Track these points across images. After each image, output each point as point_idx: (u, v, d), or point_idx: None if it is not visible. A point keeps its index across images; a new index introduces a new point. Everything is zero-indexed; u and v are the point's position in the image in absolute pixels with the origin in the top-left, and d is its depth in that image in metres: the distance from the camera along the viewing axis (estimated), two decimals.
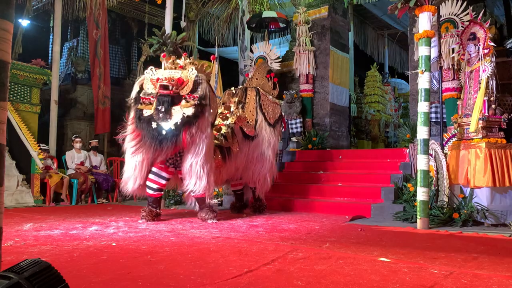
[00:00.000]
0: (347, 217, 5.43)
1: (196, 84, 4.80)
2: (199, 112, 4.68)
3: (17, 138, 7.44)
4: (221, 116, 5.77)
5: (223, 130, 5.53)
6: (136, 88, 4.94)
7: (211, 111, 4.89)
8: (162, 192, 5.26)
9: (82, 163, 7.96)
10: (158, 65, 7.22)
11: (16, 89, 8.10)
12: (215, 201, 6.98)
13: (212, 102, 4.90)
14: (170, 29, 7.07)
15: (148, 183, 5.03)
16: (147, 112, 4.74)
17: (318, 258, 2.92)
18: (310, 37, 8.64)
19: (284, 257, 2.92)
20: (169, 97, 4.68)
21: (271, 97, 6.07)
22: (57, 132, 8.95)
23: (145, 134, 4.66)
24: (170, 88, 4.67)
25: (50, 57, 10.40)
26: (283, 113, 8.54)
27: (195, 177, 4.73)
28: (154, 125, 4.63)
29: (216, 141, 5.35)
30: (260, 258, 2.89)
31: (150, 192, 5.07)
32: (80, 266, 2.65)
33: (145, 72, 4.97)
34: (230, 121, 5.64)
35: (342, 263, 2.77)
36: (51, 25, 10.46)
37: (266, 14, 8.64)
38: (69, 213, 5.81)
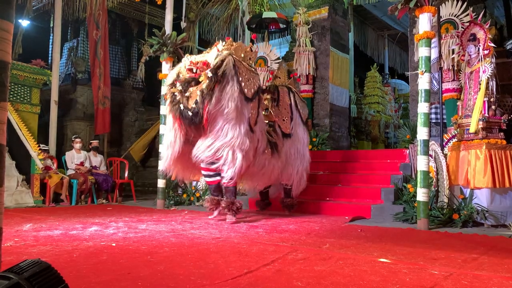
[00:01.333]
0: (347, 217, 5.42)
1: (218, 66, 4.74)
2: (212, 85, 4.58)
3: (17, 139, 7.43)
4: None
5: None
6: (172, 74, 4.99)
7: (240, 85, 4.69)
8: (219, 178, 5.06)
9: (82, 164, 7.96)
10: (159, 65, 7.26)
11: (16, 89, 8.10)
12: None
13: (241, 75, 4.73)
14: (170, 30, 7.08)
15: (202, 171, 5.13)
16: (178, 95, 4.79)
17: (318, 258, 2.92)
18: (310, 37, 8.65)
19: (284, 258, 2.92)
20: (193, 79, 4.71)
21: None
22: (57, 133, 8.96)
23: (178, 116, 4.72)
24: (194, 70, 4.72)
25: (50, 58, 10.41)
26: None
27: (222, 158, 4.69)
28: (182, 106, 4.67)
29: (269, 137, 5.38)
30: (260, 258, 2.89)
31: (208, 180, 5.20)
32: (79, 266, 2.65)
33: (182, 59, 5.06)
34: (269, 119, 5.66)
35: (342, 263, 2.77)
36: (51, 25, 10.46)
37: (266, 14, 8.64)
38: (69, 214, 5.81)
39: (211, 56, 4.79)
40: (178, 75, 4.90)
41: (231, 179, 4.78)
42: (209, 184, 5.27)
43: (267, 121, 5.60)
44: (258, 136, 5.03)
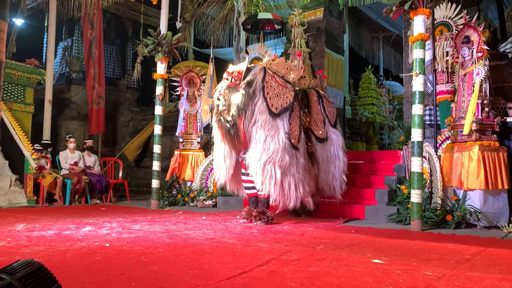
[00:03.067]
0: (341, 218, 5.44)
1: (247, 71, 4.89)
2: (246, 100, 4.72)
3: (11, 138, 7.39)
4: None
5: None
6: (218, 87, 5.11)
7: (266, 100, 4.76)
8: (255, 191, 5.14)
9: (76, 164, 7.93)
10: (154, 65, 7.24)
11: (10, 88, 8.06)
12: (209, 202, 7.02)
13: (269, 89, 4.81)
14: (166, 30, 7.06)
15: (243, 184, 5.20)
16: (220, 108, 4.93)
17: (312, 259, 2.93)
18: (305, 39, 8.66)
19: (278, 259, 2.92)
20: (229, 89, 4.83)
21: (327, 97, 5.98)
22: (51, 132, 8.91)
23: (219, 127, 4.88)
24: (230, 80, 4.85)
25: (44, 57, 10.36)
26: None
27: (254, 169, 4.75)
28: (223, 119, 4.80)
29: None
30: (254, 259, 2.89)
31: (247, 192, 5.22)
32: (73, 267, 2.64)
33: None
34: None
35: (336, 264, 2.78)
36: (46, 24, 10.43)
37: (262, 15, 8.64)
38: (62, 214, 5.78)
39: (245, 65, 4.98)
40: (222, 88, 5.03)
41: (267, 194, 4.87)
42: (248, 196, 5.29)
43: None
44: (302, 154, 5.01)
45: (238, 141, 4.80)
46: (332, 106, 5.94)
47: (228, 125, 4.73)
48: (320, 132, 5.58)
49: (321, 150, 5.54)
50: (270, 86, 4.84)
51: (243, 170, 5.11)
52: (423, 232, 4.49)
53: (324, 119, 5.65)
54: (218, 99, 4.92)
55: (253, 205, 5.19)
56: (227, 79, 4.90)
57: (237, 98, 4.75)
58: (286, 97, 4.94)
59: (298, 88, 5.89)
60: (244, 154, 4.97)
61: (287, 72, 5.13)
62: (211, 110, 6.61)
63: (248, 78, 4.81)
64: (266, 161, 4.66)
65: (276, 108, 4.79)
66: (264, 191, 4.84)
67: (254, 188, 5.09)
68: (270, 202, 4.96)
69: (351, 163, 7.15)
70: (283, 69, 5.09)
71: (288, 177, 4.78)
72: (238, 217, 5.35)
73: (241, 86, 4.79)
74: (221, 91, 4.93)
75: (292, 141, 4.86)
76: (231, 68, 5.04)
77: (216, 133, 5.06)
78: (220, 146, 5.06)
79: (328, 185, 5.63)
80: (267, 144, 4.69)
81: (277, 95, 4.86)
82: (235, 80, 4.84)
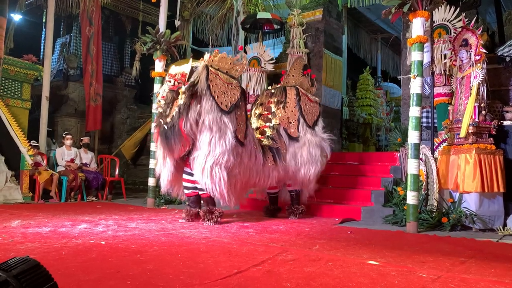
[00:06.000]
0: (337, 219, 5.45)
1: (191, 72, 4.74)
2: (190, 99, 4.59)
3: (7, 134, 7.36)
4: (262, 118, 5.68)
5: (269, 133, 5.46)
6: (163, 86, 4.96)
7: (214, 98, 4.66)
8: (196, 191, 4.98)
9: (72, 160, 7.91)
10: (152, 63, 7.23)
11: (7, 84, 8.03)
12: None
13: (215, 88, 4.69)
14: (164, 28, 7.05)
15: (183, 183, 5.02)
16: (159, 109, 4.85)
17: (307, 260, 2.93)
18: (304, 39, 8.67)
19: (274, 259, 2.92)
20: (172, 92, 4.69)
21: (310, 96, 5.86)
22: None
23: (158, 132, 4.75)
24: (172, 83, 4.70)
25: (42, 53, 10.32)
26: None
27: (200, 172, 4.62)
28: (162, 121, 4.69)
29: (266, 142, 5.33)
30: (249, 259, 2.89)
31: (186, 191, 5.06)
32: (68, 264, 2.63)
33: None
34: (274, 122, 5.54)
35: (332, 265, 2.78)
36: (44, 20, 10.39)
37: (261, 15, 8.64)
38: (58, 211, 5.76)
39: (188, 67, 4.80)
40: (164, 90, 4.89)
41: (210, 193, 4.72)
42: (186, 196, 5.12)
43: (271, 124, 5.53)
44: (250, 150, 4.98)
45: (175, 143, 4.59)
46: (314, 106, 5.80)
47: (166, 127, 4.60)
48: (293, 130, 5.51)
49: (292, 149, 5.45)
50: (216, 84, 4.73)
51: (186, 169, 4.92)
52: (418, 234, 4.50)
53: (299, 118, 5.55)
54: (159, 101, 4.82)
55: (193, 204, 5.07)
56: (169, 81, 4.75)
57: (180, 100, 4.60)
58: (234, 93, 4.89)
59: (278, 86, 5.90)
60: (188, 155, 4.79)
61: (231, 67, 5.02)
62: None
63: (192, 79, 4.65)
64: (213, 164, 4.56)
65: (226, 106, 4.71)
66: (215, 193, 4.68)
67: (194, 188, 4.92)
68: (222, 203, 4.85)
69: (347, 164, 7.20)
70: (226, 65, 4.96)
71: (232, 177, 4.75)
72: (180, 220, 5.06)
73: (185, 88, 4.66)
74: (163, 93, 4.80)
75: (239, 136, 4.81)
76: (173, 69, 4.87)
77: (155, 138, 4.96)
78: (159, 151, 4.95)
79: (296, 183, 5.60)
80: (212, 146, 4.57)
81: (224, 93, 4.78)
82: (179, 84, 4.68)
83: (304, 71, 6.00)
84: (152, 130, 5.07)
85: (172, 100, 4.71)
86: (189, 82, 4.63)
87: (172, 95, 4.71)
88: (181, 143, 4.63)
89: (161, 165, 4.96)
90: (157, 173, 5.12)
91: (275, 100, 5.70)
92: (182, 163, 4.93)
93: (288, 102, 5.62)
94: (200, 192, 4.88)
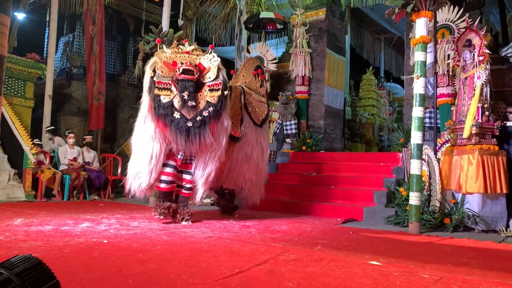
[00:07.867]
0: (339, 219, 5.44)
1: (219, 71, 4.50)
2: (224, 104, 4.42)
3: (10, 132, 7.38)
4: None
5: None
6: (149, 72, 4.56)
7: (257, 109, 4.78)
8: (175, 184, 4.79)
9: (75, 159, 7.92)
10: None
11: (10, 82, 8.04)
12: (207, 200, 7.01)
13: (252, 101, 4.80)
14: (167, 27, 7.07)
15: (162, 176, 4.63)
16: (165, 98, 4.37)
17: (309, 260, 2.93)
18: (307, 39, 8.66)
19: (276, 258, 2.92)
20: (193, 83, 4.34)
21: (257, 95, 5.71)
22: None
23: (168, 124, 4.31)
24: (194, 73, 4.36)
25: (45, 52, 10.33)
26: (278, 114, 8.53)
27: (199, 179, 4.62)
28: (177, 114, 4.32)
29: None
30: (251, 258, 2.89)
31: (163, 185, 4.67)
32: (70, 262, 2.64)
33: (154, 54, 4.62)
34: None
35: (334, 265, 2.78)
36: (47, 19, 10.40)
37: (264, 14, 8.64)
38: (60, 209, 5.78)
39: (205, 61, 4.56)
40: (161, 71, 4.48)
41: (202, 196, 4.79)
42: (162, 190, 4.73)
43: None
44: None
45: (194, 145, 4.32)
46: (262, 105, 5.67)
47: (195, 127, 4.25)
48: (234, 130, 5.21)
49: (233, 149, 5.28)
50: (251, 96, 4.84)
51: (170, 162, 4.63)
52: (421, 234, 4.49)
53: (242, 117, 5.35)
54: (164, 88, 4.36)
55: (166, 199, 4.73)
56: (187, 70, 4.33)
57: (214, 100, 4.35)
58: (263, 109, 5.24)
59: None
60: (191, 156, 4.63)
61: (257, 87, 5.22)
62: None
63: (223, 80, 4.46)
64: (211, 169, 4.64)
65: (258, 120, 4.83)
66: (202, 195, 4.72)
67: (173, 182, 4.70)
68: (198, 199, 4.86)
69: (350, 165, 7.19)
70: (254, 85, 5.11)
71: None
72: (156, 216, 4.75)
73: (214, 85, 4.43)
74: (165, 80, 4.37)
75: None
76: (186, 57, 4.46)
77: (149, 129, 4.45)
78: (149, 146, 4.45)
79: (236, 185, 5.49)
80: (219, 153, 4.60)
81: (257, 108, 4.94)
82: (198, 76, 4.34)
83: (254, 71, 5.93)
84: (151, 120, 4.47)
85: (192, 91, 4.32)
86: (222, 82, 4.44)
87: (194, 86, 4.34)
88: (206, 142, 4.41)
89: (143, 163, 4.48)
90: (135, 171, 4.56)
91: None
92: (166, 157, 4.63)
93: (231, 101, 5.29)
94: (184, 190, 4.79)
